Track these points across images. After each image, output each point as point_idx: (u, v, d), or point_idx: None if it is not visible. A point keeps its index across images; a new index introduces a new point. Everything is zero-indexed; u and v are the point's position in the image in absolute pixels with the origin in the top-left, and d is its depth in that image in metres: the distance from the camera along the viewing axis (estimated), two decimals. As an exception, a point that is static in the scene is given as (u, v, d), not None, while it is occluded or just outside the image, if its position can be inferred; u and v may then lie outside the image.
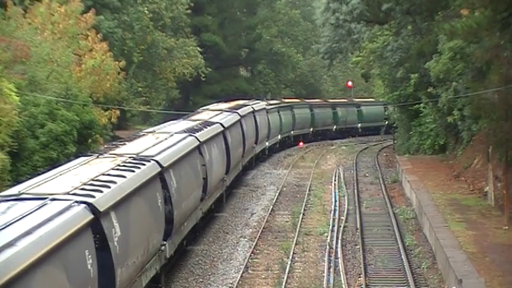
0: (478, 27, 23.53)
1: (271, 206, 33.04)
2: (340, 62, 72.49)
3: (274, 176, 42.93)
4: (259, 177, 42.50)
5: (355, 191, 36.61)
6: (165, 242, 19.74)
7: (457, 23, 25.11)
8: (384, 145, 62.13)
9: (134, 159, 19.10)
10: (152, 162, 19.33)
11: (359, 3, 42.57)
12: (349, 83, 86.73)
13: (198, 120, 30.86)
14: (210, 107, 40.26)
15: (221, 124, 31.40)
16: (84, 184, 15.46)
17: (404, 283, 21.34)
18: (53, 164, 27.20)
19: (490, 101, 25.51)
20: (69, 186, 15.14)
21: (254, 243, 26.19)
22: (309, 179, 40.96)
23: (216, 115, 34.13)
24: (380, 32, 47.13)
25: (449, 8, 33.19)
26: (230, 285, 21.67)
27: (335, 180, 39.91)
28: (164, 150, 21.26)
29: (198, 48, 65.34)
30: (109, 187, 15.59)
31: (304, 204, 33.28)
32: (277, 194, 36.33)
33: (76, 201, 14.00)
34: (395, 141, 56.03)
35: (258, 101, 49.38)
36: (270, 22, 78.18)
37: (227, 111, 36.81)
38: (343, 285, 21.16)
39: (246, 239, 27.24)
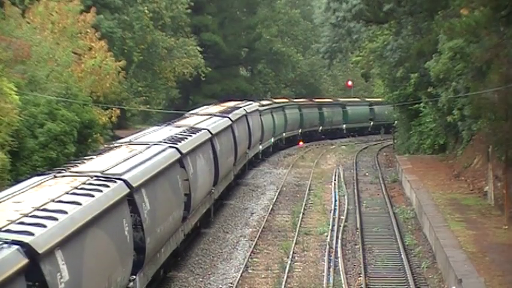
0: (477, 25, 23.53)
1: (271, 206, 33.04)
2: (340, 62, 72.40)
3: (274, 176, 42.94)
4: (259, 177, 42.51)
5: (355, 190, 36.62)
6: (134, 277, 16.71)
7: (456, 21, 25.11)
8: (384, 145, 62.15)
9: (98, 179, 16.27)
10: (119, 182, 16.46)
11: (359, 3, 42.57)
12: (349, 83, 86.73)
13: (183, 126, 28.17)
14: (199, 110, 37.54)
15: (208, 131, 28.46)
16: (25, 216, 12.51)
17: (404, 283, 21.34)
18: (52, 163, 27.24)
19: (490, 101, 25.51)
20: (4, 219, 12.14)
21: (254, 243, 26.19)
22: (309, 179, 40.96)
23: (204, 120, 31.23)
24: (380, 31, 47.14)
25: (449, 8, 33.18)
26: (230, 284, 21.68)
27: (335, 180, 39.92)
28: (136, 166, 18.32)
29: (198, 48, 65.32)
30: (56, 219, 12.63)
31: (304, 203, 33.29)
32: (277, 193, 36.34)
33: (6, 241, 11.09)
34: (395, 141, 56.05)
35: (251, 102, 46.70)
36: (270, 22, 78.15)
37: (217, 115, 34.07)
38: (343, 285, 21.16)
39: (245, 239, 27.25)
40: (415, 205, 30.67)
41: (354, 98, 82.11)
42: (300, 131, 64.28)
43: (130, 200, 16.97)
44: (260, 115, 47.68)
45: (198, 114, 34.25)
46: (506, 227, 24.24)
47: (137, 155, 19.92)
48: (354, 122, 74.09)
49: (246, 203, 34.40)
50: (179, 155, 22.27)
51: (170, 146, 22.15)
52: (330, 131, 70.84)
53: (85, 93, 34.23)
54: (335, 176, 41.59)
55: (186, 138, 24.46)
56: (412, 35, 41.16)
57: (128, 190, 16.67)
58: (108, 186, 15.75)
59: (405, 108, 48.11)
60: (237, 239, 27.30)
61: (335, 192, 36.10)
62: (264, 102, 54.97)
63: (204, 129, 28.18)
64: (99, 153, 20.35)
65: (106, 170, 17.16)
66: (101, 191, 15.24)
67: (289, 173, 43.77)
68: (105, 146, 24.25)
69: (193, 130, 27.05)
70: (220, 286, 21.63)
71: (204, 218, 27.29)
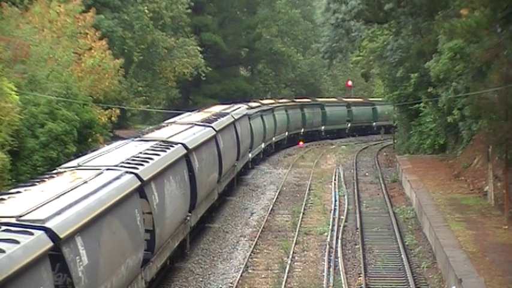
0: (477, 26, 23.54)
1: (271, 206, 33.06)
2: (340, 62, 72.45)
3: (274, 176, 42.96)
4: (259, 177, 42.54)
5: (355, 190, 36.63)
6: None
7: (456, 22, 25.14)
8: (384, 145, 62.22)
9: (8, 229, 11.80)
10: (38, 233, 11.97)
11: (359, 4, 42.63)
12: (349, 83, 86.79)
13: (153, 140, 23.43)
14: (180, 118, 32.66)
15: (184, 145, 23.73)
16: None
17: (404, 283, 21.35)
18: (53, 163, 27.29)
19: (490, 101, 25.53)
20: None
21: (254, 243, 26.21)
22: (309, 179, 40.98)
23: (181, 131, 26.36)
24: (380, 31, 47.19)
25: (449, 8, 33.23)
26: (230, 284, 21.69)
27: (335, 180, 39.94)
28: (71, 205, 13.77)
29: (198, 48, 65.40)
30: None
31: (304, 203, 33.30)
32: (277, 193, 36.36)
33: None
34: (395, 141, 56.10)
35: (239, 106, 42.38)
36: (270, 21, 78.23)
37: (199, 124, 29.42)
38: (343, 285, 21.17)
39: (246, 239, 27.27)
40: (415, 205, 30.68)
41: (332, 98, 78.77)
42: (286, 134, 59.83)
43: (56, 256, 12.53)
44: (249, 119, 43.36)
45: (176, 123, 29.74)
46: (506, 227, 24.26)
47: (79, 186, 15.29)
48: (332, 124, 70.49)
49: (246, 202, 34.42)
50: (139, 183, 17.61)
51: (128, 172, 17.60)
52: (310, 133, 66.69)
53: (85, 93, 34.27)
54: (335, 176, 41.61)
55: (151, 159, 19.77)
56: (412, 35, 41.21)
57: (51, 244, 12.14)
58: (17, 242, 11.21)
59: (405, 108, 48.14)
60: (237, 239, 27.32)
61: (335, 192, 36.11)
62: (252, 104, 50.37)
63: (178, 143, 23.55)
64: (31, 184, 15.53)
65: (24, 214, 12.63)
66: (3, 251, 10.75)
67: (289, 173, 43.79)
68: (46, 172, 19.01)
69: (165, 146, 22.47)
70: (220, 286, 21.64)
71: (176, 252, 22.72)
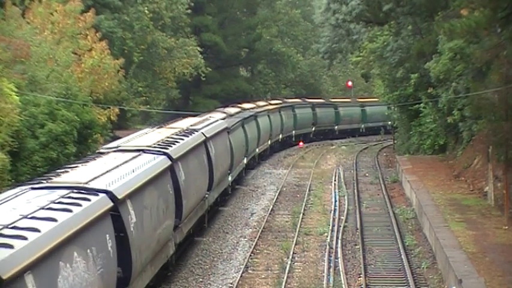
0: (477, 26, 23.55)
1: (271, 206, 33.06)
2: (340, 62, 72.29)
3: (274, 176, 42.96)
4: (259, 177, 42.53)
5: (355, 191, 36.63)
6: None
7: (456, 22, 25.14)
8: (384, 145, 62.25)
9: None
10: None
11: (359, 4, 42.63)
12: (349, 83, 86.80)
13: (63, 187, 14.94)
14: (127, 141, 22.90)
15: (110, 194, 15.24)
16: None
17: (404, 283, 21.35)
18: (53, 164, 27.30)
19: (490, 101, 25.54)
20: None
21: (254, 243, 26.21)
22: (309, 179, 40.98)
23: (116, 167, 17.78)
24: (380, 32, 47.21)
25: (449, 8, 33.24)
26: (230, 285, 21.69)
27: (335, 180, 39.95)
28: None
29: (198, 48, 65.41)
30: None
31: (304, 204, 33.30)
32: (277, 193, 36.35)
33: None
34: (395, 141, 56.12)
35: (216, 119, 33.54)
36: (270, 22, 78.26)
37: (149, 151, 20.87)
38: (343, 285, 21.17)
39: (246, 239, 27.27)
40: (415, 205, 30.68)
41: (296, 98, 71.83)
42: (269, 142, 52.68)
43: None
44: (228, 133, 34.56)
45: (118, 151, 20.89)
46: (506, 227, 24.26)
47: None
48: (300, 128, 64.21)
49: (246, 203, 34.43)
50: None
51: None
52: (285, 139, 59.87)
53: (85, 93, 34.27)
54: (335, 176, 41.61)
55: (36, 231, 11.59)
56: (412, 35, 41.23)
57: None
58: None
59: (405, 108, 48.15)
60: (237, 239, 27.33)
61: (335, 192, 36.11)
62: (232, 111, 43.35)
63: (101, 192, 15.12)
64: None
65: None
66: None
67: (289, 174, 43.79)
68: None
69: (78, 198, 14.25)
70: (220, 286, 21.64)
71: None
